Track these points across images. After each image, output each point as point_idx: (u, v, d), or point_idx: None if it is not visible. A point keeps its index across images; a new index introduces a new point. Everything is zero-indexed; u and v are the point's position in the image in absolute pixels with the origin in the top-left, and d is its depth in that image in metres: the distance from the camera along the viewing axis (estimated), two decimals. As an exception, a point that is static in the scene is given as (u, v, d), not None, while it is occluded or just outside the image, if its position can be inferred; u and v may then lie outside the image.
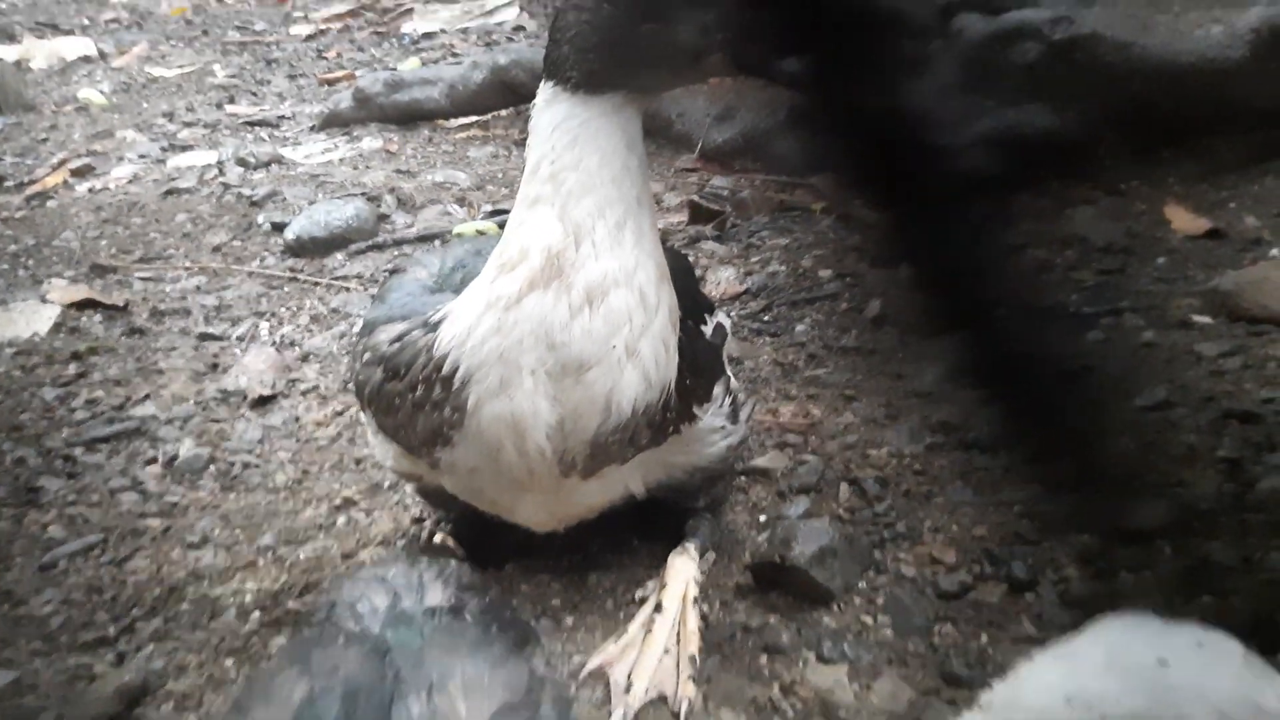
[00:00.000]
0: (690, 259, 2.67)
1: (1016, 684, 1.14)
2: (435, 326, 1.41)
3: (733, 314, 2.51)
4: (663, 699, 1.44)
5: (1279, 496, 1.60)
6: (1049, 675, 1.10)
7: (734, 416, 1.65)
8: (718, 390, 1.59)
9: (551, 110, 1.34)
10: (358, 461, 2.08)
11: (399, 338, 1.45)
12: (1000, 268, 2.42)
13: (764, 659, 1.51)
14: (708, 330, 1.62)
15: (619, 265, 1.32)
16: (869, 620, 1.56)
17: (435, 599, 1.15)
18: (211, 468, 2.10)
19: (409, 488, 1.89)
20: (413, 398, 1.42)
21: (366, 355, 1.50)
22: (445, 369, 1.37)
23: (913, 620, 1.55)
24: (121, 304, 2.76)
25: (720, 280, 2.69)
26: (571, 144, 1.32)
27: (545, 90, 1.36)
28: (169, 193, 3.49)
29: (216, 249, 3.10)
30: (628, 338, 1.33)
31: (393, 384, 1.44)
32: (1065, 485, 1.74)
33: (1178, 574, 1.52)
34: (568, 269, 1.31)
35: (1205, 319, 2.15)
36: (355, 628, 1.09)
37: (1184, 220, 2.54)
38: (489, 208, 3.22)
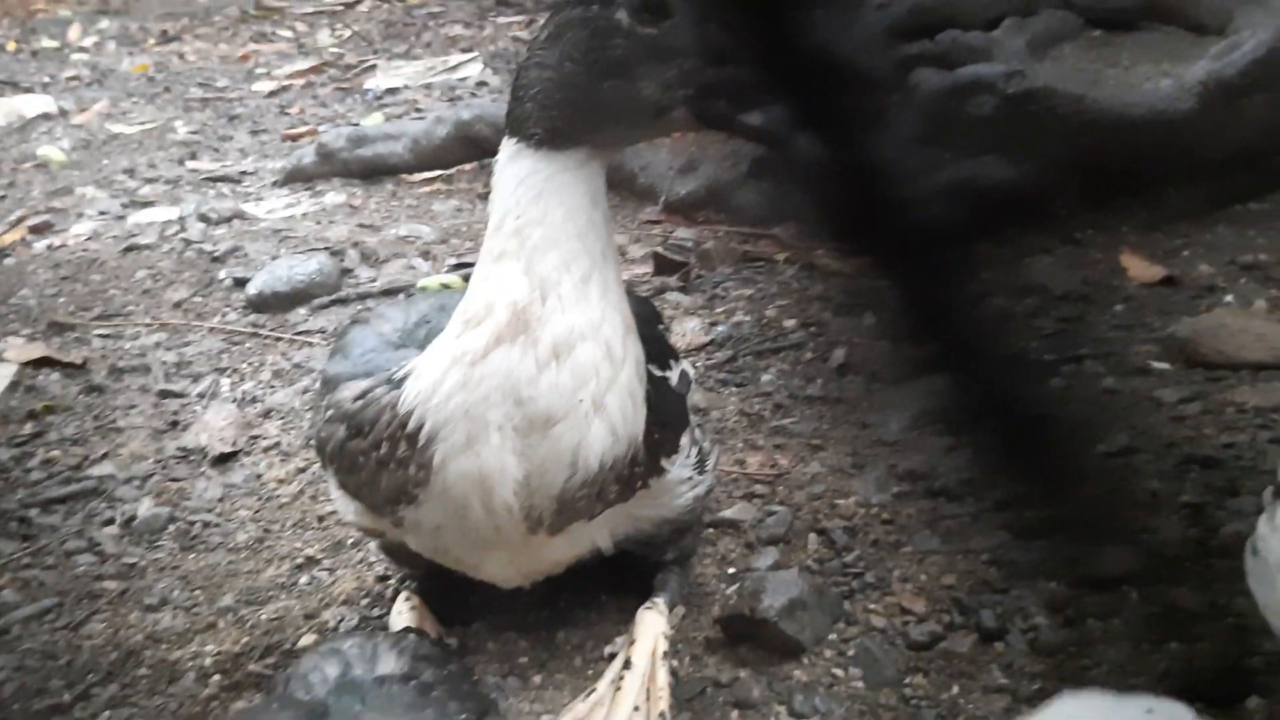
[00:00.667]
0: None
1: None
2: (399, 383, 1.39)
3: (698, 364, 2.51)
4: (633, 757, 1.42)
5: (1242, 541, 1.61)
6: None
7: (701, 466, 1.64)
8: (684, 441, 1.59)
9: (515, 166, 1.34)
10: (320, 519, 2.06)
11: (362, 394, 1.44)
12: (962, 316, 2.44)
13: (735, 714, 1.50)
14: (673, 378, 1.61)
15: (585, 319, 1.32)
16: (840, 673, 1.55)
17: (388, 668, 1.13)
18: (171, 527, 2.06)
19: (373, 545, 1.87)
20: (376, 455, 1.40)
21: (330, 412, 1.48)
22: (410, 426, 1.36)
23: (884, 672, 1.54)
24: (80, 362, 2.72)
25: (685, 331, 2.70)
26: (535, 199, 1.32)
27: (508, 146, 1.36)
28: (129, 249, 3.46)
29: (177, 305, 3.07)
30: (594, 391, 1.33)
31: (356, 442, 1.43)
32: (1032, 532, 1.75)
33: (1145, 620, 1.52)
34: (534, 323, 1.31)
35: (1164, 365, 2.18)
36: (304, 697, 1.07)
37: (1140, 268, 2.58)
38: (453, 261, 3.21)
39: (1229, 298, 2.42)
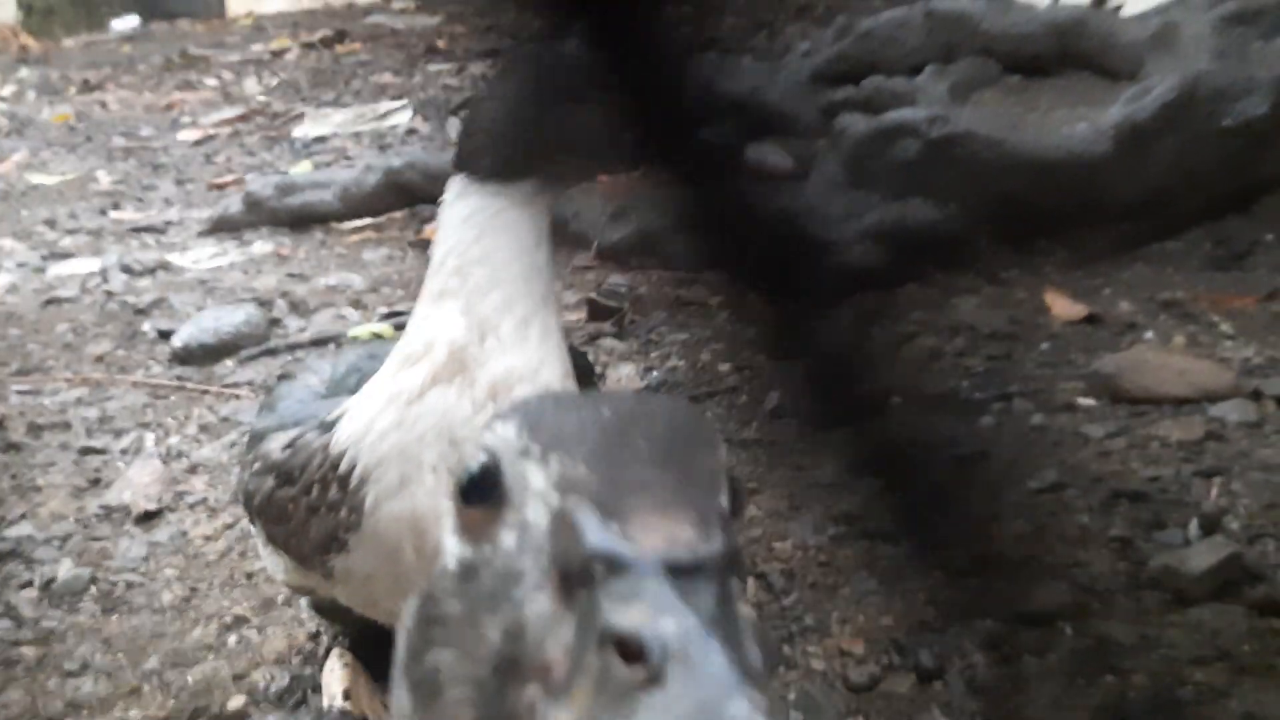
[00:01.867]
0: (590, 356, 2.67)
1: None
2: (331, 426, 1.37)
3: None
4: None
5: (1172, 573, 1.65)
6: None
7: None
8: None
9: (461, 203, 1.33)
10: (249, 576, 2.00)
11: (291, 443, 1.41)
12: (892, 357, 2.48)
13: (677, 764, 1.48)
14: None
15: (524, 362, 1.31)
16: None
17: None
18: (92, 589, 1.99)
19: (304, 602, 1.82)
20: (307, 501, 1.37)
21: (256, 465, 1.45)
22: (342, 467, 1.33)
23: (824, 716, 1.53)
24: (-4, 420, 2.64)
25: (620, 377, 2.69)
26: (479, 237, 1.31)
27: (455, 184, 1.35)
28: (49, 302, 3.38)
29: (99, 359, 3.00)
30: None
31: (285, 490, 1.40)
32: (966, 571, 1.76)
33: (1079, 655, 1.54)
34: (471, 364, 1.29)
35: (1090, 401, 2.22)
36: None
37: (1063, 307, 2.64)
38: (384, 310, 3.18)
39: (1149, 334, 2.48)
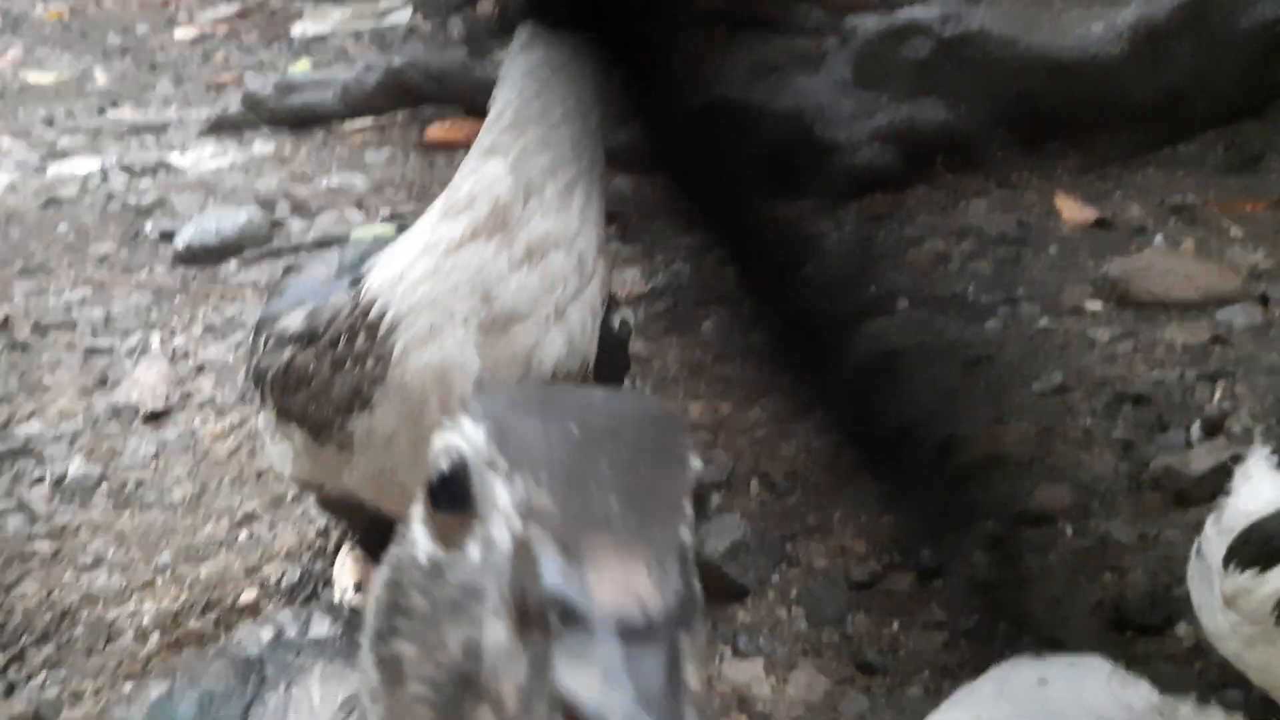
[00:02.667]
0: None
1: None
2: (359, 280, 1.37)
3: (639, 313, 2.50)
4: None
5: (1173, 474, 1.66)
6: (953, 713, 1.15)
7: None
8: (625, 384, 1.59)
9: (526, 56, 1.31)
10: (259, 475, 2.02)
11: (311, 312, 1.42)
12: (900, 260, 2.47)
13: (681, 657, 1.51)
14: (614, 321, 1.61)
15: (563, 227, 1.30)
16: (783, 613, 1.57)
17: (321, 630, 1.12)
18: (103, 486, 2.02)
19: (312, 500, 1.85)
20: (331, 356, 1.36)
21: (270, 342, 1.44)
22: (372, 315, 1.33)
23: (826, 611, 1.56)
24: (1, 319, 2.64)
25: (625, 281, 2.68)
26: (539, 93, 1.29)
27: (523, 32, 1.33)
28: (50, 202, 3.35)
29: (102, 260, 2.98)
30: (559, 299, 1.32)
31: (306, 352, 1.39)
32: (969, 474, 1.78)
33: (1079, 554, 1.56)
34: (513, 223, 1.28)
35: (1097, 305, 2.22)
36: (239, 654, 1.07)
37: (1073, 210, 2.61)
38: (387, 211, 3.16)
39: (1158, 238, 2.46)
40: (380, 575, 0.57)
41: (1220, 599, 1.18)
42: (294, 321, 1.42)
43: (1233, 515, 1.20)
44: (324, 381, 1.38)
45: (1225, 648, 1.22)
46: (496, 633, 0.47)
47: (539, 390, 0.53)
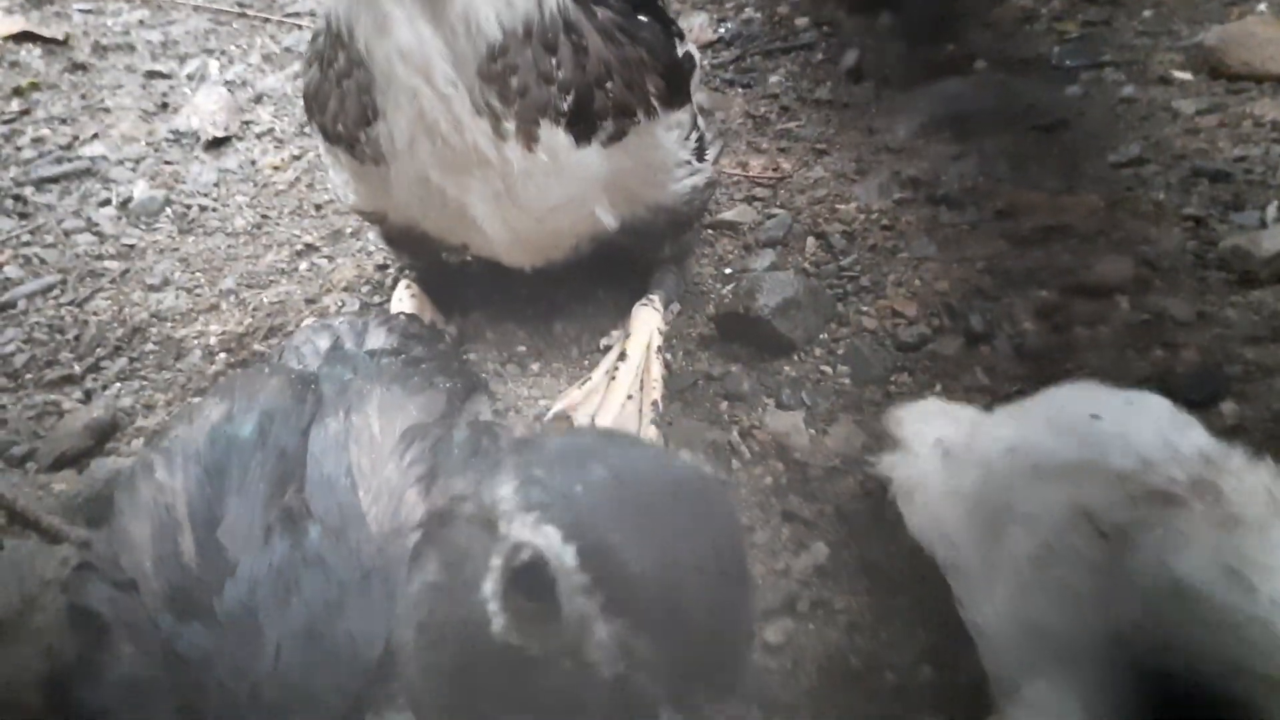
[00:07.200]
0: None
1: (972, 432, 1.18)
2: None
3: (705, 63, 2.42)
4: (625, 441, 1.48)
5: (1241, 254, 1.62)
6: (999, 429, 1.15)
7: (700, 154, 1.61)
8: (684, 117, 1.54)
9: None
10: (318, 207, 2.04)
11: (319, 32, 1.42)
12: (982, 18, 2.34)
13: (724, 405, 1.55)
14: (678, 51, 1.55)
15: None
16: (828, 370, 1.59)
17: (377, 343, 1.15)
18: (168, 210, 2.05)
19: (372, 235, 1.87)
20: (333, 71, 1.38)
21: (308, 59, 1.45)
22: (334, 28, 1.34)
23: (871, 370, 1.58)
24: (61, 38, 2.62)
25: (692, 27, 2.58)
26: None
27: None
28: (104, -83, 3.25)
29: (159, -19, 2.92)
30: None
31: (323, 71, 1.40)
32: (1030, 241, 1.75)
33: (1132, 328, 1.55)
34: None
35: (1186, 75, 2.10)
36: (296, 366, 1.10)
37: (1174, -29, 2.44)
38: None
39: (1262, 6, 2.30)
40: (426, 607, 0.60)
41: None
42: (316, 42, 1.42)
43: None
44: (339, 99, 1.38)
45: None
46: None
47: (606, 468, 0.51)
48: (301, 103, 1.61)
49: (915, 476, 1.21)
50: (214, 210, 2.05)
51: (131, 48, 2.60)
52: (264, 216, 2.03)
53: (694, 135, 1.58)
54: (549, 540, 0.52)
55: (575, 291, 1.75)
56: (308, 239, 1.95)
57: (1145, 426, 1.04)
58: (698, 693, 0.49)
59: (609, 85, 1.38)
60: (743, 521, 0.52)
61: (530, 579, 0.52)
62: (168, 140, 2.26)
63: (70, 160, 2.19)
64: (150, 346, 1.72)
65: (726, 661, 0.50)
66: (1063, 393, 1.17)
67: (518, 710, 0.53)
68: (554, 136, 1.38)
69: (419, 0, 1.27)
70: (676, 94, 1.51)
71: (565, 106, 1.36)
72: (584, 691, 0.51)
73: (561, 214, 1.49)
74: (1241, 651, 0.85)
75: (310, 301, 1.80)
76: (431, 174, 1.41)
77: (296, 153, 2.21)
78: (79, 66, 2.52)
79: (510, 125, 1.34)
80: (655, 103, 1.45)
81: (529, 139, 1.37)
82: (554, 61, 1.34)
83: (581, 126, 1.39)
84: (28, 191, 2.10)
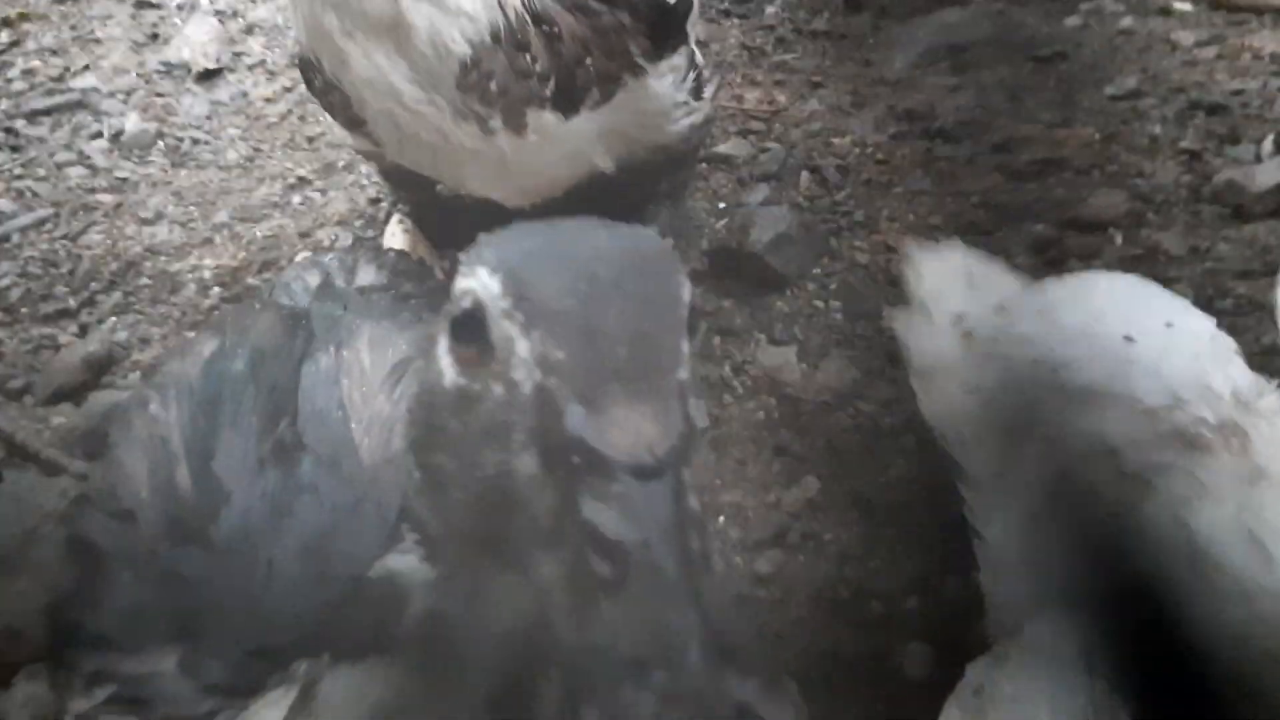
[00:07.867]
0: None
1: (997, 314, 1.13)
2: None
3: (700, -8, 2.38)
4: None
5: (1235, 188, 1.62)
6: (1027, 323, 1.09)
7: (697, 93, 1.60)
8: (679, 60, 1.53)
9: None
10: (310, 140, 2.03)
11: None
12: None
13: (717, 340, 1.56)
14: None
15: None
16: (820, 305, 1.60)
17: (367, 279, 1.15)
18: (160, 143, 2.04)
19: (364, 169, 1.86)
20: (316, 87, 1.38)
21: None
22: (306, 55, 1.35)
23: (863, 305, 1.58)
24: (48, -34, 2.58)
25: (688, -45, 2.54)
26: None
27: None
28: None
29: (146, -93, 2.87)
30: None
31: (309, 79, 1.41)
32: (1025, 175, 1.74)
33: (1126, 262, 1.55)
34: None
35: (1185, 6, 2.08)
36: (287, 302, 1.10)
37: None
38: None
39: (1267, -64, 2.27)
40: (409, 393, 0.61)
41: None
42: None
43: None
44: (329, 104, 1.39)
45: None
46: (526, 462, 0.52)
47: (547, 231, 0.54)
48: (292, 33, 1.60)
49: (932, 355, 1.17)
50: (206, 143, 2.04)
51: (120, -24, 2.56)
52: (256, 149, 2.02)
53: (691, 75, 1.57)
54: (480, 279, 0.55)
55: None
56: (300, 172, 1.94)
57: (1182, 355, 0.99)
58: (607, 395, 0.50)
59: (588, 61, 1.37)
60: (681, 271, 0.54)
61: (470, 323, 0.55)
62: (159, 72, 2.24)
63: (61, 92, 2.17)
64: (144, 281, 1.72)
65: (639, 369, 0.51)
66: (1101, 291, 1.10)
67: (470, 452, 0.55)
68: (542, 119, 1.37)
69: (374, 36, 1.25)
70: (667, 43, 1.49)
71: (548, 92, 1.35)
72: (510, 412, 0.53)
73: (559, 167, 1.49)
74: (1252, 623, 0.82)
75: (304, 235, 1.80)
76: (424, 166, 1.44)
77: (288, 85, 2.18)
78: (67, -3, 2.49)
79: (496, 122, 1.34)
80: (641, 61, 1.44)
81: (518, 129, 1.36)
82: (529, 57, 1.32)
83: (567, 104, 1.38)
84: (19, 124, 2.09)
